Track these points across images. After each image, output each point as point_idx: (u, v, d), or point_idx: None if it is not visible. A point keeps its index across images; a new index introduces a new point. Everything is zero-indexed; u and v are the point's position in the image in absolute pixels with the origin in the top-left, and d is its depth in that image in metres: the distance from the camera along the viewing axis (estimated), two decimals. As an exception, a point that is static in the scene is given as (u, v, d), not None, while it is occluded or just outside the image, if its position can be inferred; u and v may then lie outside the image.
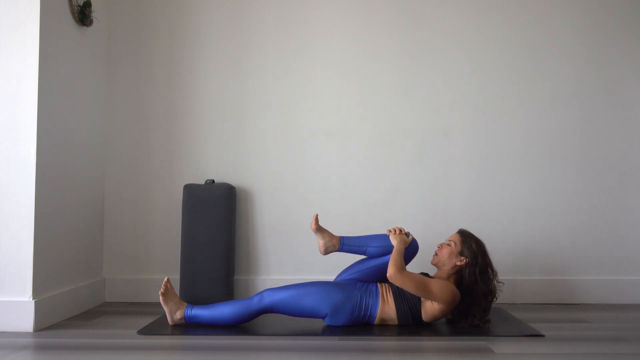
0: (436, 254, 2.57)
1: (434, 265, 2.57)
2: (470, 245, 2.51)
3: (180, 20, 3.22)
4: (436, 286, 2.41)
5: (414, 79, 3.20)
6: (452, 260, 2.51)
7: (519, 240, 3.14)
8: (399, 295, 2.46)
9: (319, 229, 2.61)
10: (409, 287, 2.40)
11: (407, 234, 2.57)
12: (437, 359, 2.08)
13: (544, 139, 3.17)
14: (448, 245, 2.55)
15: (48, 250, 2.54)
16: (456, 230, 2.67)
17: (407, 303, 2.45)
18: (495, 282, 2.51)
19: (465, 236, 2.56)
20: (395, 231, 2.56)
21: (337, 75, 3.20)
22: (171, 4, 3.23)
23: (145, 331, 2.39)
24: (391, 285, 2.51)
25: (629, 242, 3.13)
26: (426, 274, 2.58)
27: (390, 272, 2.40)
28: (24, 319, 2.39)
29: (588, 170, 3.16)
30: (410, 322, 2.46)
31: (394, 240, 2.52)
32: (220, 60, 3.21)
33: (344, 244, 2.60)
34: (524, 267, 3.12)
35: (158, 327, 2.46)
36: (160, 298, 2.46)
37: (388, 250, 2.53)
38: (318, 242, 2.62)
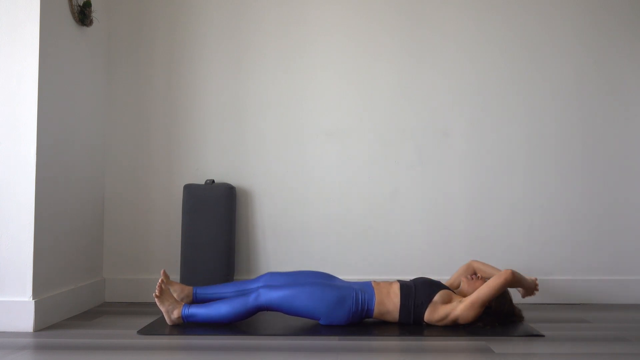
0: (468, 283, 2.57)
1: (461, 283, 2.58)
2: (504, 304, 2.47)
3: (180, 20, 3.22)
4: (480, 310, 2.42)
5: (414, 79, 3.20)
6: None
7: (518, 240, 3.14)
8: (407, 292, 2.46)
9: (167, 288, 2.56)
10: (493, 289, 2.40)
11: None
12: (437, 359, 2.07)
13: (543, 139, 3.17)
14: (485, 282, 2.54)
15: (48, 251, 2.54)
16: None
17: (414, 301, 2.45)
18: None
19: (504, 292, 2.52)
20: (536, 283, 2.62)
21: (337, 75, 3.20)
22: (171, 4, 3.23)
23: (145, 331, 2.40)
24: (400, 281, 2.53)
25: (629, 242, 3.13)
26: (437, 282, 2.55)
27: (514, 272, 2.43)
28: (24, 319, 2.39)
29: (588, 170, 3.16)
30: (411, 321, 2.46)
31: (527, 277, 2.57)
32: (220, 60, 3.21)
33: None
34: (523, 267, 3.11)
35: (158, 327, 2.46)
36: (156, 300, 2.47)
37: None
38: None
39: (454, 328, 2.44)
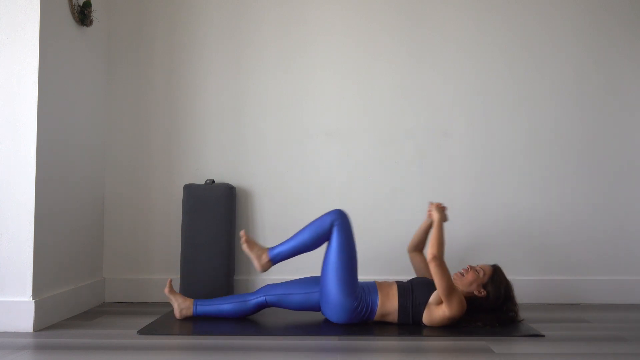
0: (462, 274, 2.51)
1: (453, 281, 2.57)
2: (499, 286, 2.46)
3: (180, 20, 3.22)
4: (458, 296, 2.39)
5: (414, 79, 3.20)
6: (472, 286, 2.47)
7: (519, 239, 3.14)
8: (404, 293, 2.46)
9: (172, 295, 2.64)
10: (442, 279, 2.34)
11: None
12: (437, 359, 2.07)
13: (544, 139, 3.17)
14: (477, 271, 2.50)
15: (48, 250, 2.54)
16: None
17: (412, 302, 2.45)
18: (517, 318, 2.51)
19: (497, 274, 2.50)
20: (439, 205, 2.54)
21: (337, 75, 3.20)
22: (171, 4, 3.23)
23: (145, 331, 2.40)
24: (397, 282, 2.52)
25: (629, 242, 3.13)
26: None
27: (433, 253, 2.35)
28: (24, 319, 2.39)
29: (588, 170, 3.16)
30: (410, 322, 2.46)
31: (436, 213, 2.48)
32: (220, 60, 3.21)
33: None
34: (524, 266, 3.12)
35: (158, 327, 2.46)
36: (245, 247, 2.54)
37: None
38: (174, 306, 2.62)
39: (454, 328, 2.44)
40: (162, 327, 2.47)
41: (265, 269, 2.56)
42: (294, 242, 2.53)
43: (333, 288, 2.45)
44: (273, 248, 2.56)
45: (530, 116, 3.18)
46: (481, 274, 2.48)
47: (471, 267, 2.52)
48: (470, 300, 2.48)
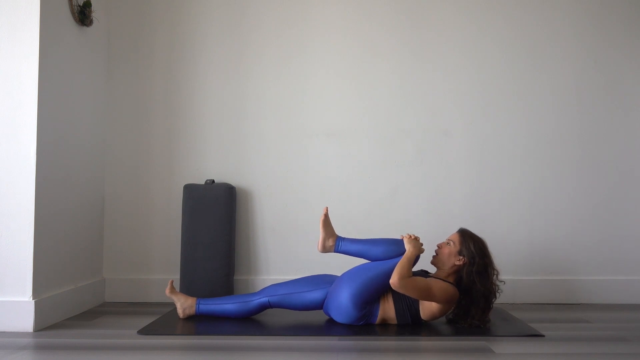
0: (436, 254, 2.56)
1: (433, 264, 2.57)
2: (469, 245, 2.49)
3: (180, 20, 3.22)
4: (437, 289, 2.41)
5: (414, 79, 3.20)
6: (451, 259, 2.51)
7: (519, 240, 3.14)
8: (398, 295, 2.47)
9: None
10: (411, 294, 2.39)
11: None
12: (437, 359, 2.08)
13: (544, 139, 3.17)
14: (447, 244, 2.55)
15: (48, 250, 2.54)
16: (457, 229, 2.67)
17: (406, 302, 2.46)
18: (496, 282, 2.50)
19: (464, 236, 2.54)
20: (411, 237, 2.50)
21: (337, 75, 3.20)
22: (171, 4, 3.23)
23: (145, 331, 2.40)
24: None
25: (629, 242, 3.13)
26: (425, 272, 2.58)
27: (394, 279, 2.36)
28: (24, 319, 2.39)
29: (588, 170, 3.16)
30: (409, 321, 2.47)
31: (409, 245, 2.45)
32: (220, 60, 3.21)
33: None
34: (524, 267, 3.12)
35: (158, 327, 2.46)
36: (322, 220, 2.57)
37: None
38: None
39: (454, 328, 2.45)
40: (162, 327, 2.47)
41: (325, 251, 2.61)
42: (363, 248, 2.53)
43: (346, 295, 2.43)
44: (344, 239, 2.59)
45: (530, 116, 3.18)
46: (452, 244, 2.53)
47: (441, 244, 2.56)
48: (456, 276, 2.49)
